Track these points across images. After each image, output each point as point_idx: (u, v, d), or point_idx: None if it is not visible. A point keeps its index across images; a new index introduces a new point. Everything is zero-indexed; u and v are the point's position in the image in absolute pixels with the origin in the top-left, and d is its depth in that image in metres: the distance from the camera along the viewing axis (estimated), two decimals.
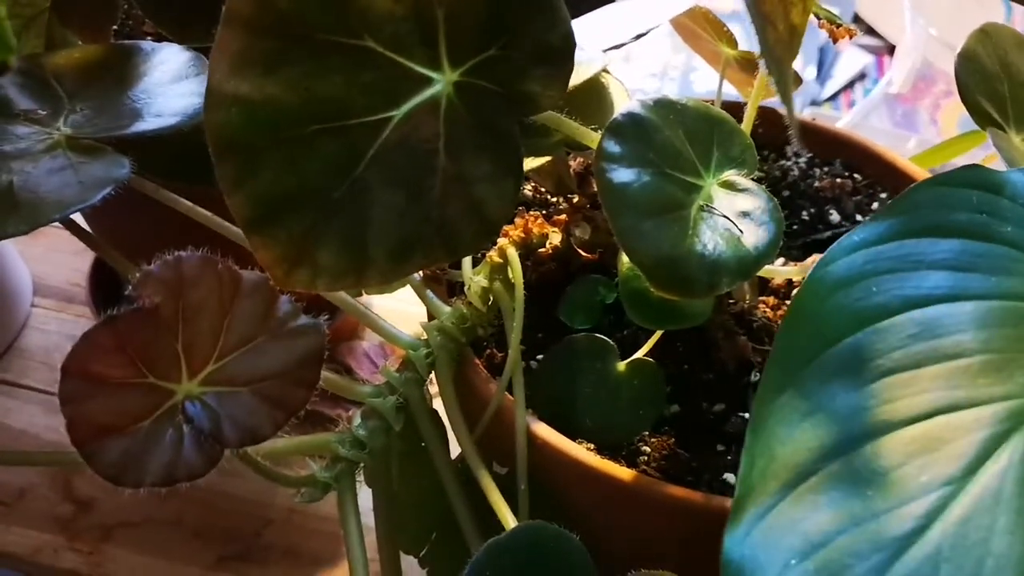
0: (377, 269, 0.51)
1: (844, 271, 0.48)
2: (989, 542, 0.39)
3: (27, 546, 0.97)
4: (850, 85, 1.74)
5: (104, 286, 1.16)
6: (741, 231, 0.55)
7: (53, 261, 1.28)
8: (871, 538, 0.40)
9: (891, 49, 1.68)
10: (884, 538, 0.40)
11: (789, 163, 0.87)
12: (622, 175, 0.54)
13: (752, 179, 0.59)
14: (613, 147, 0.55)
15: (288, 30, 0.48)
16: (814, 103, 1.70)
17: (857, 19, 1.84)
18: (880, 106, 1.44)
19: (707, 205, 0.56)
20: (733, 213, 0.56)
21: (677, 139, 0.57)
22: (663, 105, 0.57)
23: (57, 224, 1.26)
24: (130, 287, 0.51)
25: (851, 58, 1.77)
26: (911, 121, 1.42)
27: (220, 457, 0.53)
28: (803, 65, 1.74)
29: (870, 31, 1.82)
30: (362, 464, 0.66)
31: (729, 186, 0.58)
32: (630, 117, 0.56)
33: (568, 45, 0.51)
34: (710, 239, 0.54)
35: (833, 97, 1.74)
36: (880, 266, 0.48)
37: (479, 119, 0.52)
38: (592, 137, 0.59)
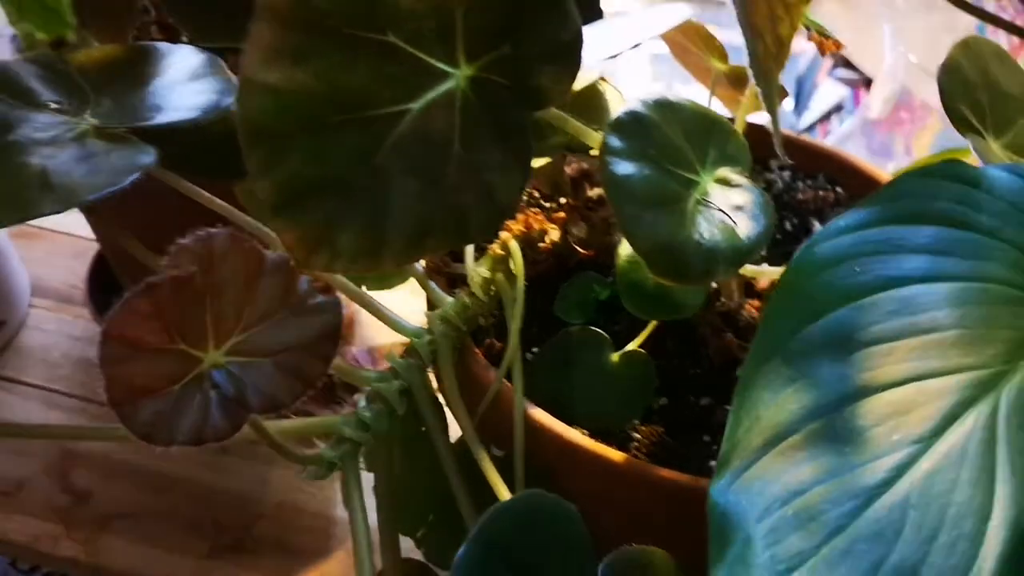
0: (393, 252, 0.53)
1: (831, 252, 0.51)
2: (952, 493, 0.43)
3: (27, 534, 0.99)
4: (827, 117, 1.76)
5: (101, 287, 1.18)
6: (735, 223, 0.58)
7: (52, 263, 1.30)
8: (845, 487, 0.43)
9: (868, 82, 1.71)
10: (857, 487, 0.43)
11: (774, 176, 0.90)
12: (624, 168, 0.57)
13: (745, 176, 0.61)
14: (616, 142, 0.58)
15: (318, 24, 0.50)
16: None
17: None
18: (857, 135, 1.47)
19: (703, 199, 0.59)
20: (727, 206, 0.59)
21: (676, 136, 0.60)
22: (663, 105, 0.60)
23: (56, 227, 1.29)
24: (166, 258, 0.53)
25: (828, 90, 1.80)
26: (887, 150, 1.45)
27: (243, 422, 0.55)
28: (788, 92, 1.77)
29: (847, 64, 1.85)
30: (363, 448, 0.68)
31: (724, 182, 0.60)
32: (632, 115, 0.59)
33: (577, 43, 0.54)
34: (706, 229, 0.57)
35: (810, 128, 1.76)
36: (864, 248, 0.51)
37: (492, 112, 0.54)
38: (592, 135, 0.62)
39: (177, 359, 0.54)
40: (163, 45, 0.73)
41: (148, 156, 0.62)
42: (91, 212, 0.96)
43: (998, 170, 0.54)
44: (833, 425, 0.45)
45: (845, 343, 0.48)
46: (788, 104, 1.79)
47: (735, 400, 0.48)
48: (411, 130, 0.53)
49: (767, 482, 0.44)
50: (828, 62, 1.85)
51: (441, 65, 0.53)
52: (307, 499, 1.03)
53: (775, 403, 0.46)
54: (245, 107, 0.50)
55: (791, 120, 1.78)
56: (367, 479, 0.69)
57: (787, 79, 1.81)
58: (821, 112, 1.77)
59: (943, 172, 0.54)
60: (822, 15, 1.83)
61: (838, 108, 1.77)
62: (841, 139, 1.49)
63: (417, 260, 0.57)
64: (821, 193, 0.87)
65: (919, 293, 0.49)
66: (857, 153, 1.44)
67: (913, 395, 0.46)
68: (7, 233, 1.19)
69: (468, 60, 0.54)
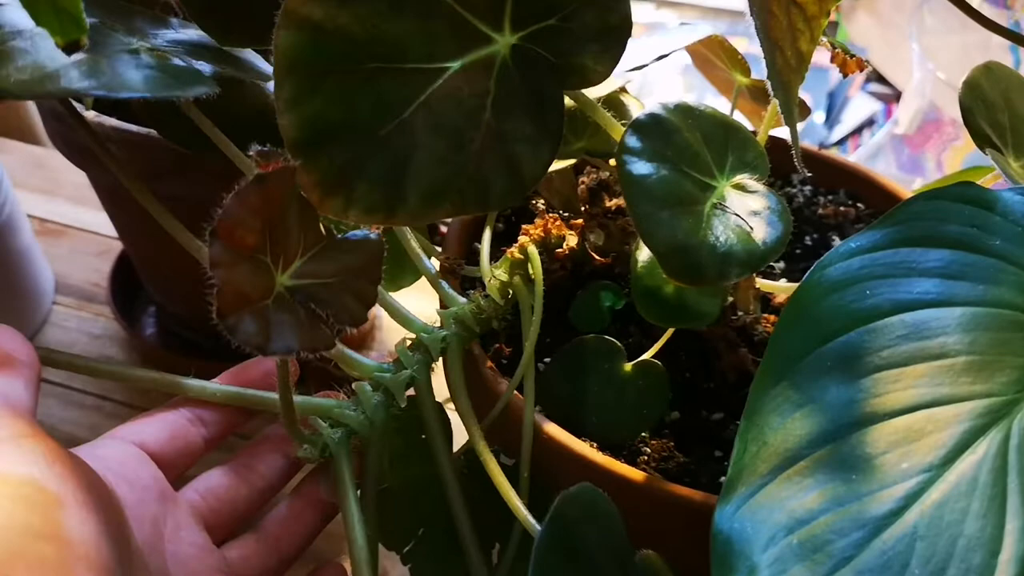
0: (408, 209, 0.53)
1: (840, 274, 0.51)
2: (962, 524, 0.42)
3: None
4: (858, 131, 1.75)
5: (124, 287, 1.19)
6: (751, 227, 0.57)
7: (75, 261, 1.30)
8: (852, 517, 0.43)
9: (900, 97, 1.70)
10: (864, 517, 0.42)
11: (795, 190, 0.90)
12: (641, 167, 0.57)
13: (764, 183, 0.61)
14: (634, 142, 0.57)
15: None
16: (822, 146, 1.71)
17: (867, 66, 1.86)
18: (887, 150, 1.45)
19: (720, 203, 0.58)
20: (744, 212, 0.58)
21: (695, 141, 0.59)
22: (682, 109, 0.60)
23: (80, 225, 1.29)
24: (254, 152, 0.51)
25: (860, 104, 1.79)
26: (918, 166, 1.44)
27: (334, 335, 0.56)
28: (812, 109, 1.76)
29: (880, 79, 1.84)
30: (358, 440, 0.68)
31: (741, 188, 0.60)
32: (651, 117, 0.59)
33: (625, 26, 0.53)
34: (722, 232, 0.57)
35: (841, 142, 1.75)
36: (875, 271, 0.50)
37: (528, 83, 0.54)
38: (618, 128, 0.61)
39: (264, 273, 0.54)
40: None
41: (209, 77, 0.62)
42: (115, 201, 0.96)
43: (1013, 193, 0.54)
44: (841, 452, 0.45)
45: (854, 367, 0.47)
46: (819, 117, 1.78)
47: (742, 424, 0.47)
48: (445, 90, 0.52)
49: (772, 509, 0.44)
50: (860, 76, 1.84)
51: (486, 29, 0.53)
52: None
53: (782, 428, 0.46)
54: (283, 38, 0.50)
55: (822, 133, 1.77)
56: None
57: (819, 92, 1.81)
58: (853, 126, 1.76)
59: (956, 194, 0.54)
60: (856, 30, 1.82)
61: (870, 122, 1.76)
62: (870, 154, 1.48)
63: (432, 220, 0.57)
64: (842, 208, 0.87)
65: (930, 318, 0.48)
66: (887, 169, 1.43)
67: (923, 422, 0.45)
68: (32, 230, 1.20)
69: (513, 28, 0.53)
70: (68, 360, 0.65)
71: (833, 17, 1.93)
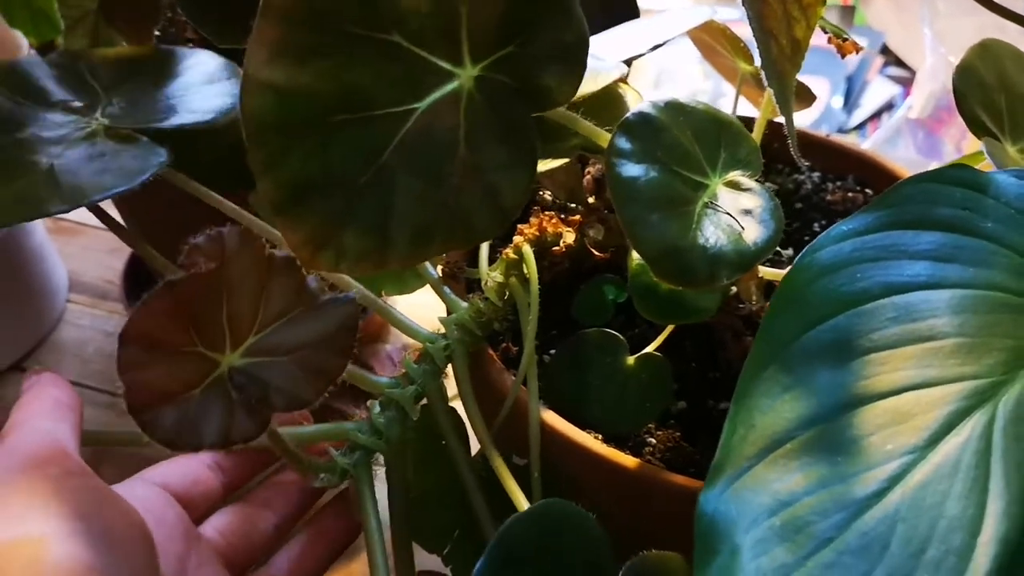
0: (398, 252, 0.53)
1: (831, 257, 0.50)
2: (943, 506, 0.42)
3: None
4: (877, 115, 1.74)
5: (137, 284, 1.20)
6: (742, 227, 0.57)
7: (89, 259, 1.31)
8: (835, 498, 0.42)
9: None
10: (847, 499, 0.42)
11: (803, 177, 0.90)
12: (631, 170, 0.56)
13: (757, 180, 0.61)
14: (624, 144, 0.57)
15: (322, 23, 0.50)
16: (841, 131, 1.71)
17: (886, 50, 1.85)
18: (905, 134, 1.45)
19: (711, 202, 0.58)
20: (736, 211, 0.58)
21: (685, 139, 0.59)
22: (672, 107, 0.59)
23: (94, 223, 1.30)
24: (181, 256, 0.53)
25: (879, 88, 1.78)
26: (935, 150, 1.43)
27: (269, 422, 0.56)
28: (830, 94, 1.75)
29: (899, 63, 1.83)
30: (378, 456, 0.68)
31: (734, 186, 0.60)
32: (640, 116, 0.58)
33: (582, 43, 0.53)
34: (712, 233, 0.56)
35: (860, 126, 1.74)
36: (865, 254, 0.50)
37: (497, 112, 0.53)
38: (604, 136, 0.61)
39: (196, 362, 0.54)
40: (180, 48, 0.73)
41: (159, 157, 0.62)
42: (103, 215, 0.97)
43: (1006, 175, 0.54)
44: (827, 434, 0.45)
45: (843, 350, 0.47)
46: (837, 102, 1.77)
47: (732, 408, 0.47)
48: (416, 130, 0.52)
49: (757, 491, 0.44)
50: (879, 60, 1.83)
51: (446, 65, 0.53)
52: None
53: (771, 411, 0.46)
54: (248, 105, 0.50)
55: (841, 118, 1.75)
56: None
57: (837, 77, 1.80)
58: (872, 110, 1.75)
59: (948, 177, 0.53)
60: (872, 13, 1.80)
61: (889, 106, 1.75)
62: (886, 138, 1.47)
63: (423, 261, 0.57)
64: (850, 194, 0.86)
65: (919, 300, 0.48)
66: (906, 153, 1.42)
67: (910, 404, 0.45)
68: (45, 228, 1.20)
69: (473, 60, 0.53)
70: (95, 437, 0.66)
71: (850, 1, 1.93)
